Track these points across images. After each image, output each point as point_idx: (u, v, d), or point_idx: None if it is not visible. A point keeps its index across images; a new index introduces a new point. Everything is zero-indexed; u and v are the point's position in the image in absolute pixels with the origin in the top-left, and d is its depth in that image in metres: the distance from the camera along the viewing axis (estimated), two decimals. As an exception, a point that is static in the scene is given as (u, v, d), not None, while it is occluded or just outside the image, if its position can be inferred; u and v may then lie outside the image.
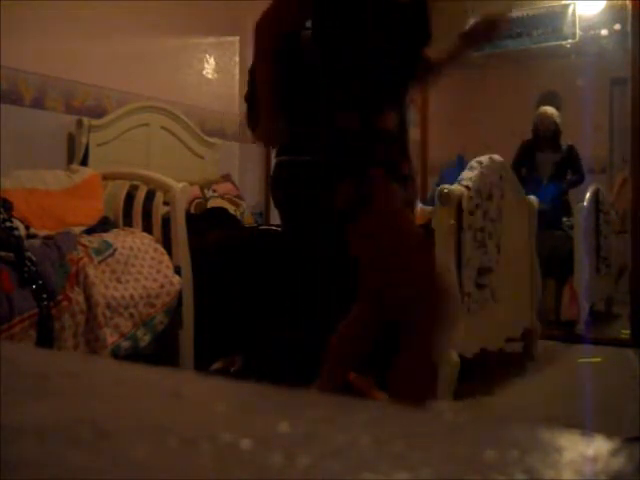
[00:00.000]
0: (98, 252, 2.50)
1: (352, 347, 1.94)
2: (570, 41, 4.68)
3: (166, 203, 2.93)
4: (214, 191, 3.59)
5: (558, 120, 4.71)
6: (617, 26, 4.56)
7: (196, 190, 3.44)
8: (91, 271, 2.40)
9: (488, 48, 4.89)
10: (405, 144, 1.90)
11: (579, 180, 4.63)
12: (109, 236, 2.65)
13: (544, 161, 4.71)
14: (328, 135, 1.79)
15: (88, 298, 2.36)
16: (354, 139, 1.77)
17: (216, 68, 4.23)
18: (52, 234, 2.50)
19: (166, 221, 2.90)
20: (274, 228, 3.07)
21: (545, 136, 4.71)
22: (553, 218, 4.25)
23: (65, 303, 2.26)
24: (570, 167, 4.71)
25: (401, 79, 1.88)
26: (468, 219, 2.62)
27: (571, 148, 4.72)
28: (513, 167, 4.43)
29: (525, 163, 4.65)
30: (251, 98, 2.37)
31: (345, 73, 1.79)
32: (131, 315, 2.55)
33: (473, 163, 2.79)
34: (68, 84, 3.40)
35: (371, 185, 1.73)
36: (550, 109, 4.79)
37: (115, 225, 2.89)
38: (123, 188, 3.05)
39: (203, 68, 4.20)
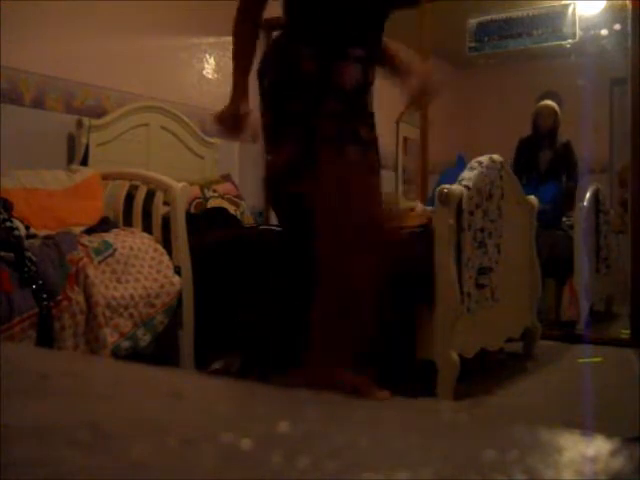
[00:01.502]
0: (98, 252, 2.50)
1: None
2: (570, 41, 4.68)
3: (166, 203, 2.93)
4: (214, 191, 3.59)
5: (558, 114, 4.70)
6: (617, 26, 4.56)
7: (196, 190, 3.44)
8: (91, 271, 2.40)
9: (488, 48, 4.90)
10: (365, 105, 1.76)
11: (574, 186, 4.62)
12: (109, 236, 2.65)
13: (541, 157, 4.71)
14: (287, 84, 1.68)
15: (88, 298, 2.36)
16: (306, 86, 1.65)
17: (216, 68, 4.23)
18: (52, 234, 2.50)
19: (166, 221, 2.90)
20: (274, 228, 3.07)
21: (542, 131, 4.71)
22: (553, 218, 4.25)
23: (65, 303, 2.26)
24: (564, 165, 4.70)
25: (370, 27, 1.76)
26: (468, 219, 2.62)
27: (567, 145, 4.71)
28: (514, 165, 4.44)
29: (524, 160, 4.65)
30: None
31: (310, 10, 1.68)
32: (131, 315, 2.55)
33: (473, 163, 2.78)
34: (68, 84, 3.40)
35: (315, 141, 1.59)
36: (550, 102, 4.78)
37: (115, 225, 2.89)
38: (123, 188, 3.05)
39: (203, 68, 4.20)
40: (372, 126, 1.81)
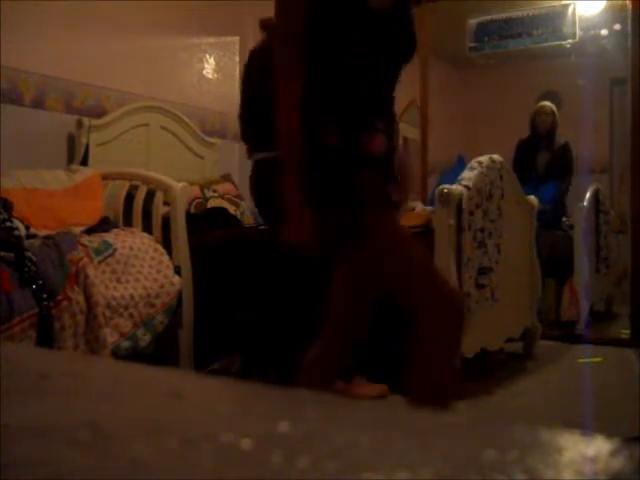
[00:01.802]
0: (98, 252, 2.50)
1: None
2: (570, 41, 4.68)
3: (166, 203, 2.93)
4: (214, 191, 3.59)
5: (556, 115, 4.70)
6: (617, 26, 4.56)
7: (196, 190, 3.44)
8: (91, 271, 2.40)
9: (488, 48, 4.90)
10: (393, 169, 1.76)
11: (565, 189, 4.61)
12: (109, 236, 2.65)
13: (539, 159, 4.70)
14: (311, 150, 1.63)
15: (88, 298, 2.37)
16: (338, 157, 1.62)
17: (216, 68, 4.23)
18: (52, 234, 2.50)
19: (166, 221, 2.90)
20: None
21: (541, 132, 4.71)
22: (553, 218, 4.25)
23: (65, 303, 2.26)
24: (561, 166, 4.69)
25: (387, 94, 1.76)
26: (468, 219, 2.62)
27: (565, 147, 4.70)
28: (513, 166, 4.43)
29: (523, 160, 4.64)
30: (250, 115, 2.32)
31: (328, 84, 1.68)
32: (131, 315, 2.55)
33: (473, 163, 2.79)
34: (68, 84, 3.40)
35: (366, 214, 1.61)
36: (548, 103, 4.78)
37: (115, 225, 2.89)
38: (123, 188, 3.05)
39: (203, 68, 4.20)
40: (401, 187, 1.85)
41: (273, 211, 1.85)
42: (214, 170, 3.96)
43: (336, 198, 1.62)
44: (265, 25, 2.53)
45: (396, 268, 1.68)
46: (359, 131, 1.66)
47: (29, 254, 2.22)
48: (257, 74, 2.58)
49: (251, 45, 2.63)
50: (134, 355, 2.54)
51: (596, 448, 0.31)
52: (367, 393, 2.52)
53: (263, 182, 2.17)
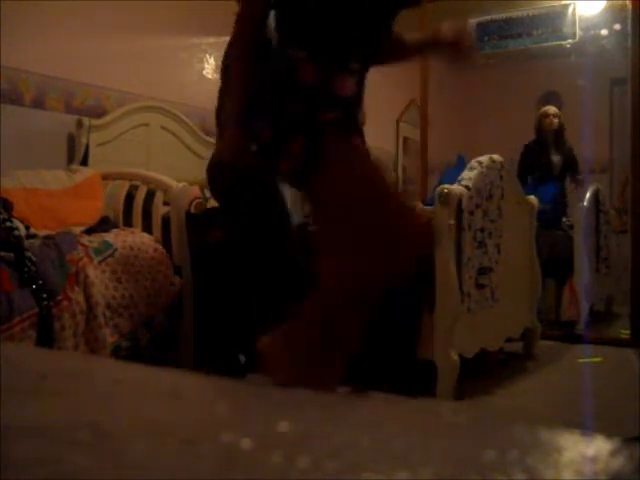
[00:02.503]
0: (98, 252, 2.50)
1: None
2: (570, 41, 4.68)
3: (166, 203, 2.93)
4: (214, 191, 3.58)
5: (561, 117, 4.72)
6: (617, 26, 4.56)
7: (196, 190, 3.43)
8: (91, 271, 2.40)
9: (488, 48, 4.90)
10: (357, 118, 1.78)
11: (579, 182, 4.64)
12: (109, 236, 2.65)
13: (554, 161, 4.72)
14: (277, 89, 1.66)
15: (88, 298, 2.37)
16: (306, 95, 1.64)
17: (216, 68, 4.23)
18: (52, 234, 2.50)
19: (166, 221, 2.90)
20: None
21: (548, 135, 4.72)
22: (553, 218, 4.25)
23: (65, 303, 2.26)
24: (573, 167, 4.72)
25: (366, 40, 1.76)
26: (468, 219, 2.62)
27: (571, 149, 4.74)
28: (519, 170, 4.45)
29: (533, 164, 4.66)
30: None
31: (306, 25, 1.67)
32: (131, 315, 2.55)
33: (473, 163, 2.78)
34: (68, 84, 3.40)
35: (323, 140, 1.61)
36: (552, 107, 4.79)
37: (115, 225, 2.89)
38: (123, 188, 3.05)
39: (203, 68, 4.20)
40: (363, 140, 1.84)
41: (235, 204, 1.88)
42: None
43: (299, 130, 1.64)
44: None
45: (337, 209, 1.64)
46: (332, 70, 1.67)
47: (29, 254, 2.22)
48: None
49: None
50: (134, 355, 2.54)
51: (596, 448, 0.32)
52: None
53: (223, 168, 2.22)
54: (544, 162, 4.68)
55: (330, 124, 1.68)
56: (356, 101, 1.77)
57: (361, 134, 1.82)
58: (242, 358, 2.87)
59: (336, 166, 1.65)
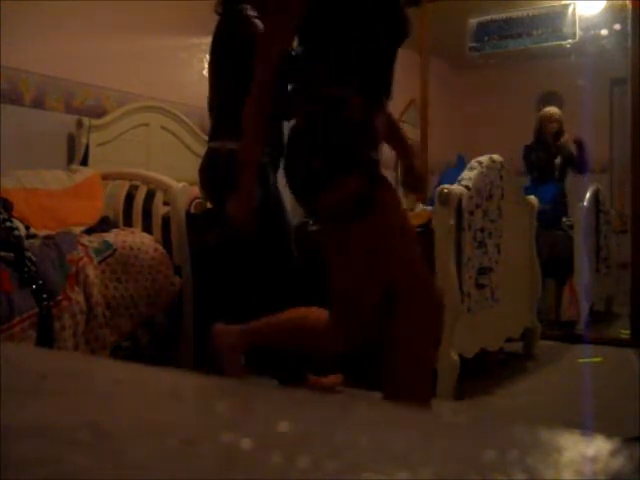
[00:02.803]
0: (98, 252, 2.50)
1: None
2: (570, 41, 4.68)
3: (166, 203, 2.93)
4: (214, 191, 3.59)
5: (562, 122, 4.73)
6: (617, 26, 4.56)
7: (196, 190, 3.43)
8: (91, 271, 2.40)
9: (488, 48, 4.90)
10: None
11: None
12: (109, 236, 2.65)
13: (555, 164, 4.74)
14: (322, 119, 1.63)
15: (88, 298, 2.37)
16: (357, 132, 1.63)
17: (216, 68, 4.23)
18: (52, 234, 2.50)
19: (166, 221, 2.90)
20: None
21: (548, 138, 4.74)
22: (553, 218, 4.25)
23: (65, 303, 2.26)
24: (570, 164, 4.74)
25: (388, 74, 1.76)
26: (468, 219, 2.62)
27: (567, 147, 4.75)
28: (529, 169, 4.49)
29: (538, 166, 4.68)
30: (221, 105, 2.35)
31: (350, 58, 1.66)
32: (131, 315, 2.55)
33: (473, 163, 2.78)
34: (68, 84, 3.40)
35: (377, 184, 1.65)
36: (555, 110, 4.81)
37: (115, 225, 2.89)
38: (123, 188, 3.05)
39: (203, 68, 4.20)
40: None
41: (222, 199, 1.90)
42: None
43: (350, 169, 1.63)
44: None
45: (391, 252, 1.69)
46: (375, 109, 1.68)
47: (29, 254, 2.22)
48: (219, 58, 2.60)
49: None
50: (134, 355, 2.54)
51: (596, 448, 0.31)
52: (322, 384, 2.53)
53: (215, 170, 2.25)
54: (545, 163, 4.69)
55: (377, 164, 1.70)
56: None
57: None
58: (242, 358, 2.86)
59: (387, 214, 1.67)
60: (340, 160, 1.63)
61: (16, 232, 2.31)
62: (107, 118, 3.45)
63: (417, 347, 1.70)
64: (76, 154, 3.32)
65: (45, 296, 2.19)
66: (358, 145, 1.65)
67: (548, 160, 4.71)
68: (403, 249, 1.71)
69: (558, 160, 4.72)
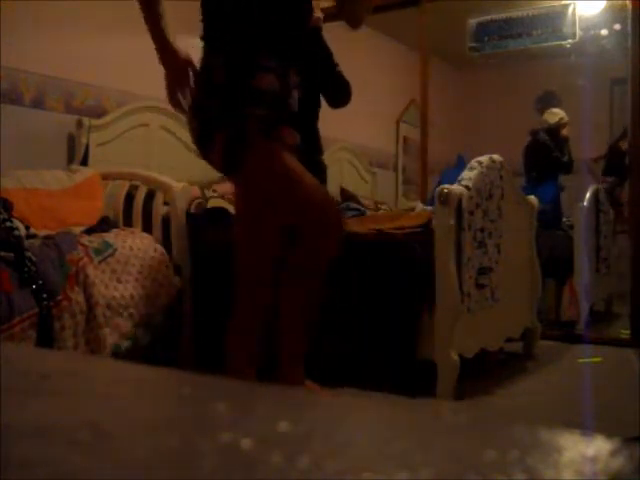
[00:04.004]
0: (98, 252, 2.50)
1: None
2: (570, 41, 4.68)
3: (166, 203, 2.93)
4: (214, 191, 3.59)
5: (548, 117, 4.78)
6: (617, 26, 4.56)
7: (196, 190, 3.44)
8: (91, 271, 2.40)
9: (488, 48, 4.90)
10: (286, 110, 1.86)
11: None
12: (109, 236, 2.65)
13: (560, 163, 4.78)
14: (202, 91, 1.84)
15: (88, 298, 2.36)
16: (223, 93, 1.78)
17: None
18: (52, 234, 2.50)
19: (166, 221, 2.90)
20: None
21: (562, 140, 4.80)
22: (553, 218, 4.25)
23: (65, 303, 2.26)
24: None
25: (286, 33, 1.87)
26: (468, 219, 2.62)
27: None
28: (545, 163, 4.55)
29: (561, 163, 4.73)
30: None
31: (218, 29, 1.85)
32: (131, 315, 2.55)
33: (473, 163, 2.78)
34: (68, 84, 3.40)
35: (243, 135, 1.76)
36: (557, 110, 4.86)
37: (115, 225, 2.89)
38: (123, 188, 3.05)
39: (203, 68, 4.20)
40: (294, 133, 1.90)
41: None
42: (214, 170, 3.96)
43: (224, 128, 1.78)
44: None
45: (276, 198, 1.86)
46: (247, 70, 1.76)
47: (29, 254, 2.22)
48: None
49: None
50: (134, 355, 2.53)
51: (596, 448, 0.32)
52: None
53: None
54: (557, 162, 4.73)
55: (251, 118, 1.81)
56: (283, 94, 1.85)
57: (294, 123, 1.91)
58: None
59: (255, 161, 1.81)
60: (207, 120, 1.84)
61: (16, 232, 2.31)
62: (107, 118, 3.45)
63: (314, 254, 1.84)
64: (76, 154, 3.32)
65: (45, 296, 2.19)
66: (219, 105, 1.80)
67: (559, 160, 4.75)
68: (288, 192, 1.81)
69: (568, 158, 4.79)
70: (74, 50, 3.40)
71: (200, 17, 1.93)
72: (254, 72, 1.81)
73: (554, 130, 4.80)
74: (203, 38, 1.91)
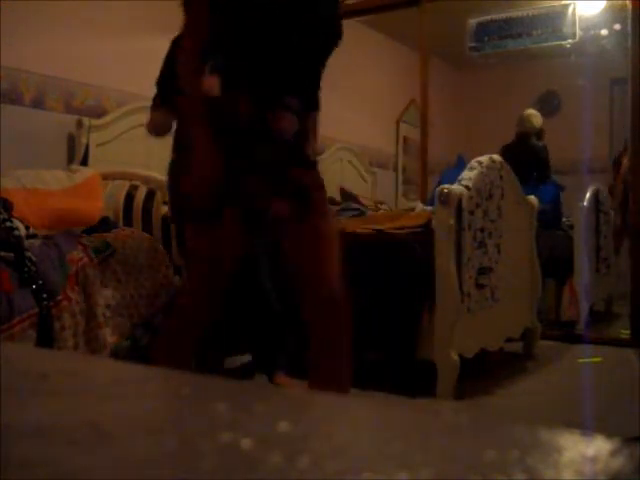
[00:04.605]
0: (98, 252, 2.50)
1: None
2: (570, 41, 4.68)
3: (166, 203, 2.93)
4: (214, 191, 3.58)
5: (534, 121, 4.77)
6: (617, 26, 4.56)
7: (196, 190, 3.43)
8: (91, 271, 2.40)
9: (488, 48, 4.90)
10: (302, 150, 1.77)
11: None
12: (109, 236, 2.65)
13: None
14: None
15: (88, 298, 2.36)
16: (245, 127, 1.67)
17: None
18: (52, 234, 2.50)
19: (166, 221, 2.90)
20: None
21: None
22: (553, 218, 4.25)
23: (65, 303, 2.26)
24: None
25: (306, 75, 1.77)
26: (468, 219, 2.62)
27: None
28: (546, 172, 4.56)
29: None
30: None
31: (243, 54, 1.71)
32: (131, 315, 2.55)
33: (473, 163, 2.78)
34: (68, 84, 3.40)
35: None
36: (530, 111, 4.86)
37: (115, 225, 2.89)
38: (123, 188, 3.05)
39: (203, 68, 4.20)
40: (313, 173, 1.80)
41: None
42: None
43: (237, 166, 1.66)
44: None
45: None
46: (268, 105, 1.68)
47: (29, 254, 2.22)
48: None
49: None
50: (134, 355, 2.53)
51: (596, 448, 0.32)
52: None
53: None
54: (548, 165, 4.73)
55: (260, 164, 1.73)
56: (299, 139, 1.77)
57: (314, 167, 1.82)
58: (248, 357, 2.87)
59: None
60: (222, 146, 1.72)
61: (16, 232, 2.31)
62: (107, 118, 3.45)
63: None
64: (76, 154, 3.32)
65: (45, 296, 2.19)
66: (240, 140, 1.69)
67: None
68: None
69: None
70: (74, 50, 3.39)
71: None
72: (277, 109, 1.73)
73: (540, 131, 4.80)
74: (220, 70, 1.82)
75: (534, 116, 4.82)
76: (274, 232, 1.87)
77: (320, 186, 1.79)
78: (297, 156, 1.74)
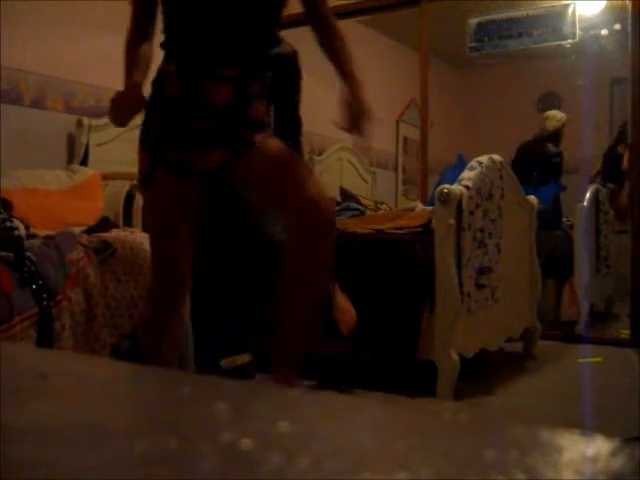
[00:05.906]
0: (98, 252, 2.50)
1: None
2: (570, 41, 4.68)
3: (166, 203, 2.93)
4: (214, 191, 3.58)
5: (548, 124, 4.78)
6: (617, 26, 4.56)
7: (196, 190, 3.43)
8: (91, 271, 2.40)
9: (488, 48, 4.90)
10: (246, 119, 1.77)
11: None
12: (109, 236, 2.65)
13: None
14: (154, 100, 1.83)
15: (88, 298, 2.36)
16: (176, 107, 1.76)
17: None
18: (52, 234, 2.50)
19: (166, 221, 2.90)
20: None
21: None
22: (553, 218, 4.25)
23: (65, 303, 2.26)
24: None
25: (244, 43, 1.78)
26: (468, 219, 2.62)
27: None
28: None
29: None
30: None
31: (172, 36, 1.80)
32: (131, 315, 2.55)
33: (473, 163, 2.78)
34: (68, 84, 3.40)
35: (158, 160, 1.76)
36: (550, 112, 4.86)
37: (115, 225, 2.89)
38: (123, 188, 3.05)
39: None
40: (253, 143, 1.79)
41: None
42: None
43: (171, 141, 1.76)
44: None
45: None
46: (200, 80, 1.72)
47: (29, 254, 2.22)
48: None
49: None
50: (134, 355, 2.53)
51: (596, 448, 0.32)
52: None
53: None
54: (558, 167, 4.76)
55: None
56: (235, 110, 1.76)
57: (261, 129, 1.80)
58: (249, 357, 2.87)
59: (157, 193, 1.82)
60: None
61: (16, 232, 2.31)
62: (107, 118, 3.45)
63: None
64: (76, 154, 3.32)
65: (45, 296, 2.19)
66: (171, 120, 1.79)
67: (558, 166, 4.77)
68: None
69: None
70: (74, 50, 3.39)
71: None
72: (210, 82, 1.77)
73: (555, 135, 4.80)
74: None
75: (550, 119, 4.83)
76: (219, 182, 1.88)
77: (268, 137, 1.81)
78: (238, 121, 1.76)
